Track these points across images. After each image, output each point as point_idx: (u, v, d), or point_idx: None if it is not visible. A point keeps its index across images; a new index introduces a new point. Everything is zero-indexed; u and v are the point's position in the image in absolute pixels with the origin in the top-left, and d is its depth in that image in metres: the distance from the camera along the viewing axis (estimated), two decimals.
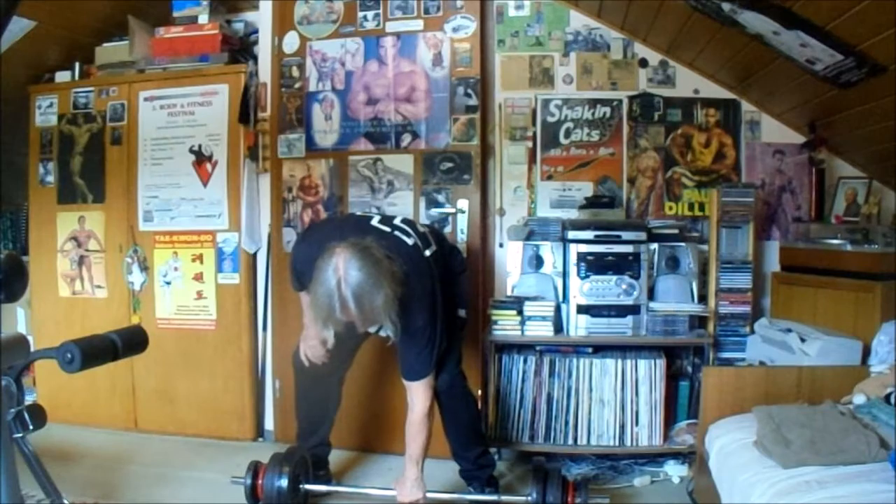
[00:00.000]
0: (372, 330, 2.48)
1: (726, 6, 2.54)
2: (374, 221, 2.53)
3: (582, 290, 3.02)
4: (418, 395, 2.42)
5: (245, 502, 2.54)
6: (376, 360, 2.99)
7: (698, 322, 3.08)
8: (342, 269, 2.14)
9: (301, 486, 2.56)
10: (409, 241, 2.44)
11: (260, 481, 2.50)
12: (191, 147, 3.53)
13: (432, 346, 2.38)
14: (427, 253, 2.48)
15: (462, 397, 2.66)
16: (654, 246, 3.11)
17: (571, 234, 3.07)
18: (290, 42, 3.45)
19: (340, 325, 2.25)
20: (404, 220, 2.57)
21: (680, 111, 3.40)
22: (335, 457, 2.96)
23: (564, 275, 3.11)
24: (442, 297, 2.43)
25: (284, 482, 2.46)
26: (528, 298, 3.05)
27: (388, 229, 2.47)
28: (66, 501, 1.42)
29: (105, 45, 3.70)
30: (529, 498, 2.40)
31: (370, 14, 3.35)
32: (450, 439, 2.70)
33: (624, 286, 3.00)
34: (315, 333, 2.59)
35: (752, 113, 3.37)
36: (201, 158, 3.52)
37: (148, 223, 3.61)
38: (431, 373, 2.42)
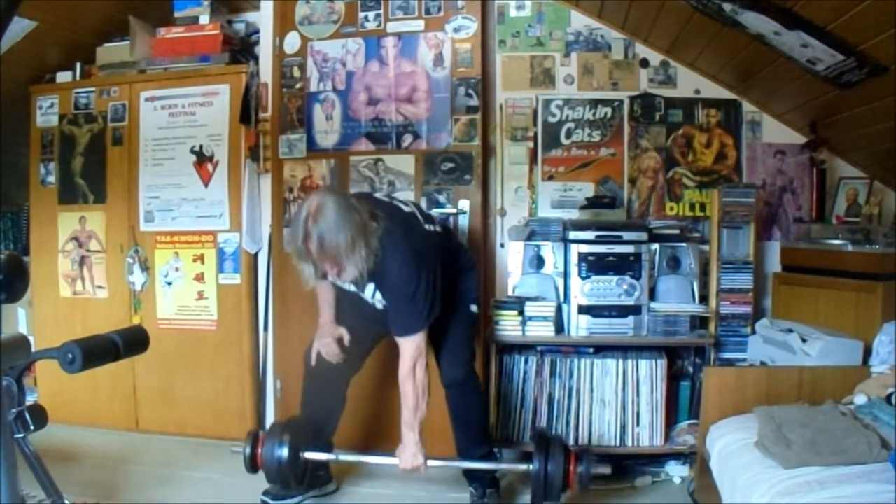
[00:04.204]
0: (367, 296, 2.47)
1: (727, 6, 2.54)
2: (376, 194, 2.56)
3: (583, 290, 3.01)
4: (406, 349, 2.40)
5: (246, 502, 2.54)
6: (378, 361, 2.98)
7: (699, 322, 3.08)
8: (315, 206, 2.22)
9: (301, 454, 2.50)
10: (406, 209, 2.52)
11: (259, 450, 2.46)
12: (192, 147, 3.54)
13: (422, 303, 2.36)
14: (427, 227, 2.52)
15: (474, 394, 2.68)
16: (655, 246, 3.10)
17: (572, 235, 3.06)
18: (291, 42, 3.45)
19: (310, 263, 2.29)
20: (411, 201, 2.62)
21: (681, 111, 3.40)
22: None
23: (565, 275, 3.11)
24: (441, 273, 2.45)
25: (284, 451, 2.41)
26: (529, 299, 3.05)
27: (387, 199, 2.58)
28: (66, 501, 1.42)
29: (106, 45, 3.70)
30: (532, 466, 2.37)
31: (371, 14, 3.35)
32: (457, 437, 2.70)
33: (625, 286, 3.00)
34: (330, 331, 2.62)
35: (754, 113, 3.37)
36: (202, 159, 3.53)
37: (149, 223, 3.61)
38: (421, 332, 2.40)
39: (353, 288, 2.48)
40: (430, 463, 2.47)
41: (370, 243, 2.26)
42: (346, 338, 2.61)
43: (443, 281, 2.46)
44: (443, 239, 2.61)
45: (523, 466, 2.44)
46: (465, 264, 2.71)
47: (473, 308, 2.69)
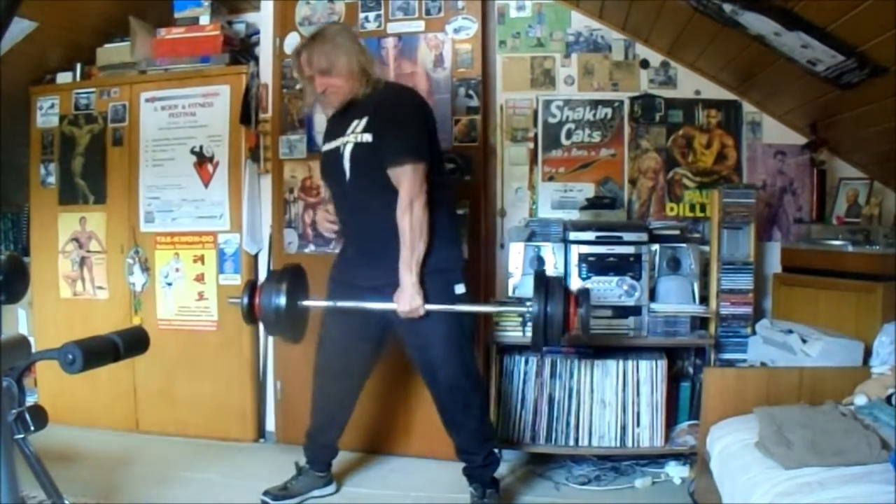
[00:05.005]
0: (348, 136, 2.45)
1: (728, 7, 2.54)
2: None
3: None
4: (404, 181, 2.35)
5: (246, 502, 2.54)
6: (380, 363, 2.97)
7: (699, 323, 3.08)
8: (319, 27, 2.41)
9: (299, 301, 2.44)
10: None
11: (257, 300, 2.37)
12: (192, 148, 3.54)
13: (417, 132, 2.37)
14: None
15: (473, 392, 2.64)
16: (656, 247, 3.10)
17: (573, 235, 3.07)
18: (292, 43, 3.44)
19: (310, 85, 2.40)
20: None
21: (681, 112, 3.40)
22: (337, 457, 2.94)
23: (566, 276, 3.10)
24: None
25: (282, 299, 2.32)
26: (529, 299, 3.04)
27: None
28: (67, 502, 1.42)
29: (106, 45, 3.70)
30: (531, 308, 2.30)
31: (371, 15, 3.35)
32: (459, 435, 2.67)
33: (625, 287, 3.00)
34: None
35: (754, 114, 3.37)
36: (202, 159, 3.53)
37: (149, 224, 3.61)
38: (417, 162, 2.35)
39: (335, 144, 2.48)
40: (428, 306, 2.41)
41: (368, 66, 2.33)
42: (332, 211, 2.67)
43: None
44: (440, 153, 2.61)
45: (523, 309, 2.37)
46: (448, 231, 2.56)
47: (458, 289, 2.54)
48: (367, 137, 2.40)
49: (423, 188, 2.37)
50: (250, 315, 2.40)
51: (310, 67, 2.33)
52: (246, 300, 2.39)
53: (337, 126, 2.53)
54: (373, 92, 2.39)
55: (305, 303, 2.46)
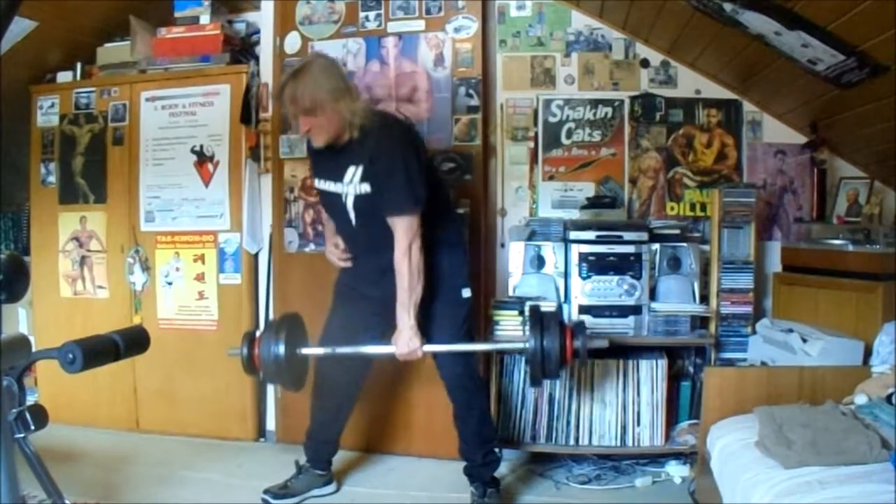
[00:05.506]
0: (345, 185, 2.46)
1: (728, 6, 2.54)
2: None
3: (584, 290, 3.02)
4: (401, 229, 2.39)
5: (246, 502, 2.54)
6: (379, 361, 2.98)
7: (700, 322, 3.08)
8: (304, 62, 2.36)
9: (298, 350, 2.45)
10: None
11: (257, 350, 2.38)
12: (192, 147, 3.54)
13: (415, 179, 2.37)
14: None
15: (475, 390, 2.66)
16: (656, 246, 3.10)
17: (573, 235, 3.06)
18: (292, 42, 3.45)
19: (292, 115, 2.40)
20: None
21: (681, 111, 3.39)
22: (336, 457, 2.95)
23: (566, 275, 3.11)
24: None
25: (281, 348, 2.33)
26: (529, 299, 3.04)
27: None
28: (67, 502, 1.42)
29: (107, 45, 3.70)
30: (527, 344, 2.33)
31: (372, 14, 3.35)
32: (459, 433, 2.69)
33: (625, 286, 3.00)
34: (328, 241, 2.72)
35: (754, 113, 3.37)
36: (203, 159, 3.53)
37: (149, 223, 3.61)
38: (413, 213, 2.39)
39: (333, 186, 2.49)
40: (426, 348, 2.45)
41: (354, 103, 2.31)
42: (341, 245, 2.65)
43: (428, 252, 2.47)
44: (437, 176, 2.64)
45: (520, 345, 2.40)
46: (452, 234, 2.65)
47: (465, 293, 2.62)
48: (366, 188, 2.43)
49: (419, 231, 2.41)
50: (250, 366, 2.42)
51: (294, 106, 2.32)
52: (245, 351, 2.41)
53: (329, 163, 2.51)
54: (362, 135, 2.38)
55: (304, 351, 2.48)
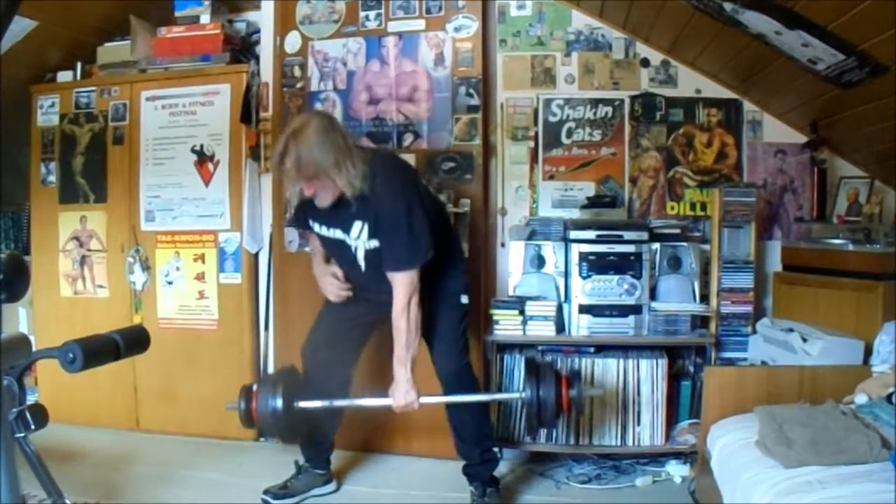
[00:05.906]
0: (351, 240, 2.45)
1: (728, 6, 2.53)
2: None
3: (584, 289, 3.02)
4: (400, 285, 2.40)
5: (246, 502, 2.54)
6: (377, 359, 2.98)
7: (700, 322, 3.08)
8: (298, 123, 2.29)
9: (295, 403, 2.46)
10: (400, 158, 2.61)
11: (254, 404, 2.40)
12: (192, 147, 3.54)
13: (417, 234, 2.37)
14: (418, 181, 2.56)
15: (471, 389, 2.66)
16: (656, 246, 3.11)
17: (573, 234, 3.07)
18: (292, 42, 3.45)
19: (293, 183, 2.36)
20: None
21: (682, 111, 3.39)
22: (336, 456, 2.95)
23: (566, 274, 3.11)
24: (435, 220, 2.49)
25: (279, 402, 2.35)
26: (529, 298, 3.05)
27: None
28: (67, 501, 1.42)
29: (107, 44, 3.70)
30: (524, 394, 2.38)
31: (372, 14, 3.35)
32: (457, 433, 2.69)
33: (626, 286, 3.00)
34: (323, 271, 2.65)
35: (754, 113, 3.37)
36: (203, 158, 3.53)
37: (150, 223, 3.61)
38: (414, 269, 2.40)
39: (338, 234, 2.48)
40: (423, 400, 2.46)
41: (355, 166, 2.28)
42: (340, 273, 2.61)
43: (432, 265, 2.46)
44: (437, 202, 2.64)
45: (516, 395, 2.45)
46: (455, 257, 2.68)
47: (464, 298, 2.66)
48: (374, 244, 2.43)
49: (417, 287, 2.41)
50: (248, 420, 2.44)
51: (297, 173, 2.30)
52: (243, 405, 2.43)
53: (330, 213, 2.46)
54: (363, 189, 2.34)
55: (302, 404, 2.48)
